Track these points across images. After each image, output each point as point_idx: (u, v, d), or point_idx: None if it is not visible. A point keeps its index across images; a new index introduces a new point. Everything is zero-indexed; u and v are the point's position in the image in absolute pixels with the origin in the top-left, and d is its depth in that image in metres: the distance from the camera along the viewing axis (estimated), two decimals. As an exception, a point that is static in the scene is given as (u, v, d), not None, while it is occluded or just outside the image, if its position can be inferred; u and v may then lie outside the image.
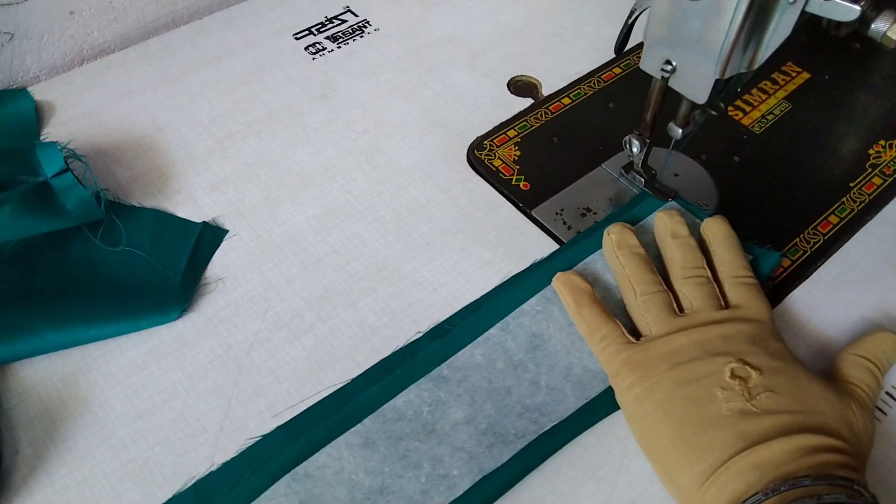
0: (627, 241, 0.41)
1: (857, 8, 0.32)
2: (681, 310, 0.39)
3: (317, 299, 0.43)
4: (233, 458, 0.36)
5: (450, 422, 0.37)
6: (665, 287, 0.40)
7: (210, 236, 0.45)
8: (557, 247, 0.45)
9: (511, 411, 0.37)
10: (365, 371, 0.39)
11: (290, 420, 0.37)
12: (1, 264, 0.41)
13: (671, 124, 0.43)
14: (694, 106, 0.41)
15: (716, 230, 0.42)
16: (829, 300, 0.43)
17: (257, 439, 0.37)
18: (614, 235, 0.42)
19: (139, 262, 0.43)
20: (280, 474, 0.35)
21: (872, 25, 0.34)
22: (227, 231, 0.45)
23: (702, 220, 0.43)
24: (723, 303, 0.39)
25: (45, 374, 0.39)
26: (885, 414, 0.38)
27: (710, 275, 0.40)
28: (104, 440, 0.37)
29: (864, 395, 0.36)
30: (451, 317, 0.42)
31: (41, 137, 0.50)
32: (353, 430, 0.36)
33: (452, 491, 0.35)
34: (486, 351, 0.39)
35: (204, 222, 0.45)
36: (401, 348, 0.40)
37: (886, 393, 0.39)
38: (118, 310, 0.40)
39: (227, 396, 0.39)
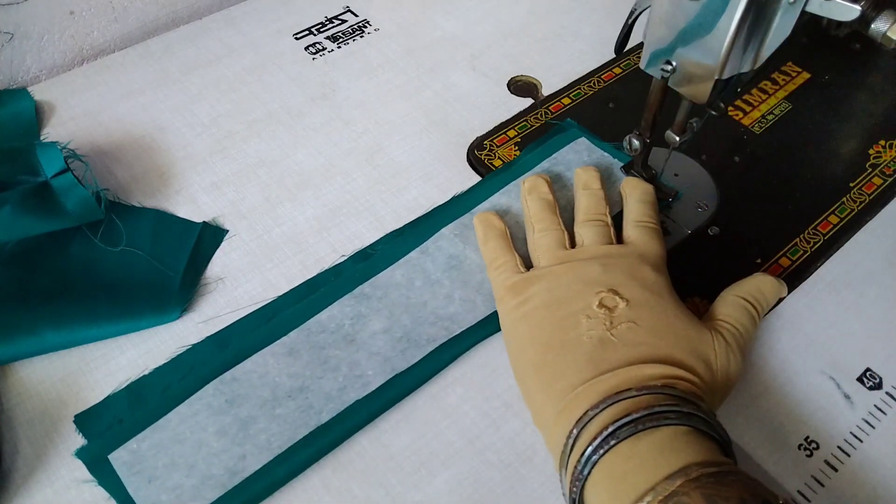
0: (538, 187, 0.44)
1: (858, 8, 0.32)
2: (573, 247, 0.41)
3: (317, 299, 0.43)
4: (165, 364, 0.39)
5: (368, 332, 0.40)
6: (563, 227, 0.42)
7: (210, 236, 0.45)
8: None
9: (425, 321, 0.41)
10: (291, 289, 0.42)
11: (220, 331, 0.40)
12: (1, 264, 0.41)
13: (668, 132, 0.43)
14: (690, 113, 0.42)
15: (634, 187, 0.44)
16: (829, 300, 0.43)
17: (188, 347, 0.39)
18: (528, 182, 0.44)
19: (139, 262, 0.43)
20: (209, 379, 0.38)
21: (872, 25, 0.34)
22: (227, 231, 0.45)
23: (622, 164, 0.47)
24: (615, 242, 0.41)
25: (45, 374, 0.39)
26: (885, 413, 0.38)
27: (609, 220, 0.42)
28: (104, 440, 0.37)
29: (734, 333, 0.37)
30: (374, 242, 0.44)
31: (41, 137, 0.50)
32: (279, 341, 0.39)
33: (366, 388, 0.38)
34: (406, 271, 0.43)
35: (204, 222, 0.45)
36: (326, 270, 0.43)
37: (886, 393, 0.39)
38: (118, 310, 0.40)
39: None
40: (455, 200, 0.47)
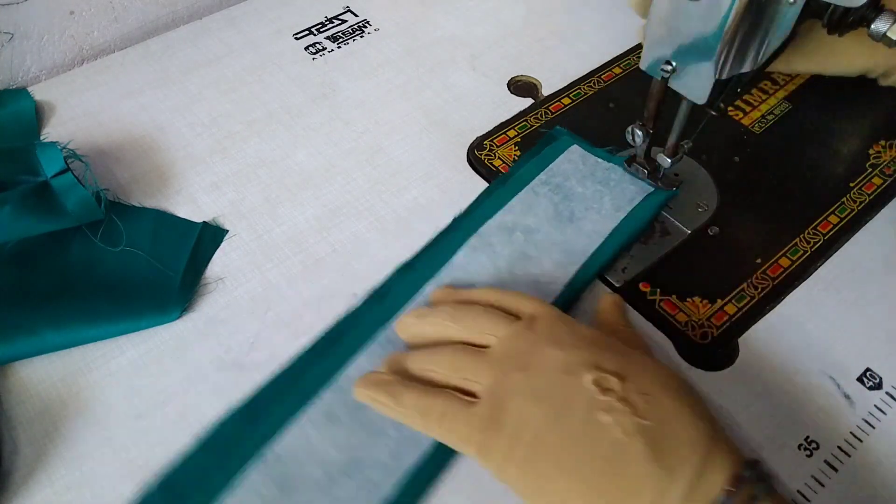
0: (407, 328, 0.38)
1: (862, -4, 0.32)
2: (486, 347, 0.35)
3: (317, 299, 0.43)
4: (195, 450, 0.35)
5: None
6: (457, 340, 0.36)
7: (210, 236, 0.45)
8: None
9: None
10: (312, 345, 0.40)
11: (247, 403, 0.37)
12: (1, 264, 0.41)
13: (660, 154, 0.43)
14: (682, 135, 0.42)
15: (444, 296, 0.40)
16: (829, 300, 0.43)
17: (214, 426, 0.36)
18: (370, 377, 0.36)
19: (139, 262, 0.43)
20: (249, 459, 0.35)
21: (872, 25, 0.34)
22: (227, 231, 0.45)
23: (620, 166, 0.47)
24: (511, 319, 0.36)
25: (45, 374, 0.39)
26: (885, 413, 0.38)
27: (477, 304, 0.37)
28: (104, 440, 0.37)
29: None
30: (386, 280, 0.43)
31: (41, 137, 0.50)
32: (313, 406, 0.37)
33: (419, 447, 0.35)
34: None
35: (204, 222, 0.45)
36: (343, 318, 0.41)
37: (886, 393, 0.39)
38: (118, 310, 0.40)
39: (228, 396, 0.39)
40: (458, 222, 0.45)
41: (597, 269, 0.43)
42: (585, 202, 0.46)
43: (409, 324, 0.38)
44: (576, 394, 0.31)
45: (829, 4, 0.34)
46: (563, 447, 0.30)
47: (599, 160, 0.48)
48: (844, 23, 0.34)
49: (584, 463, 0.30)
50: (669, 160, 0.43)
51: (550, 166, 0.48)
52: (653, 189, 0.46)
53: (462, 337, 0.36)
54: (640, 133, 0.44)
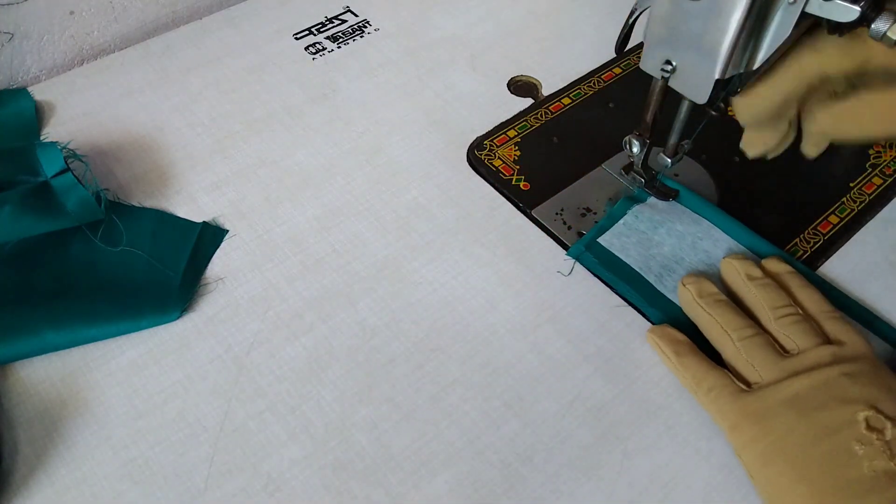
0: (707, 289, 0.40)
1: (857, 8, 0.32)
2: (785, 351, 0.37)
3: (317, 299, 0.43)
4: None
5: None
6: (760, 329, 0.38)
7: (210, 236, 0.45)
8: (558, 247, 0.45)
9: None
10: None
11: None
12: (1, 264, 0.41)
13: (661, 154, 0.43)
14: (682, 135, 0.42)
15: (780, 269, 0.41)
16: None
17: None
18: (692, 286, 0.40)
19: (139, 262, 0.43)
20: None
21: (872, 25, 0.34)
22: (227, 231, 0.45)
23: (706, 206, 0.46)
24: (824, 340, 0.37)
25: (45, 374, 0.39)
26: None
27: (802, 312, 0.38)
28: (104, 440, 0.37)
29: None
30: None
31: (41, 137, 0.50)
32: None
33: None
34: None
35: (204, 222, 0.45)
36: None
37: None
38: (118, 310, 0.40)
39: (227, 396, 0.39)
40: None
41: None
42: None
43: (737, 270, 0.40)
44: (843, 423, 0.33)
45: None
46: (806, 456, 0.32)
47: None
48: (844, 23, 0.34)
49: (824, 481, 0.32)
50: (669, 160, 0.44)
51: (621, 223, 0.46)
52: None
53: (772, 328, 0.38)
54: (636, 143, 0.44)
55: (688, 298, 0.40)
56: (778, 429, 0.34)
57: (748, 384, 0.36)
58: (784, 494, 0.33)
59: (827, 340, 0.37)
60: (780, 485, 0.33)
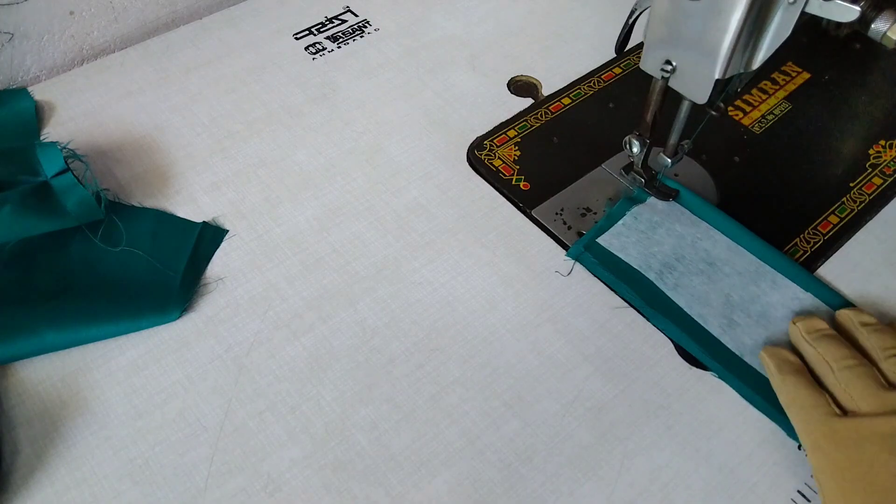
0: (816, 325, 0.39)
1: (857, 8, 0.32)
2: (892, 386, 0.35)
3: (317, 299, 0.43)
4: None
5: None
6: (867, 361, 0.37)
7: (210, 236, 0.45)
8: (558, 247, 0.45)
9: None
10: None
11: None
12: (1, 264, 0.41)
13: (661, 154, 0.43)
14: (682, 135, 0.42)
15: (862, 318, 0.40)
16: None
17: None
18: (801, 324, 0.39)
19: (139, 262, 0.43)
20: None
21: (872, 25, 0.34)
22: (227, 231, 0.45)
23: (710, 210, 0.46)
24: None
25: (45, 374, 0.39)
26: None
27: None
28: (104, 440, 0.37)
29: None
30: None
31: (41, 137, 0.50)
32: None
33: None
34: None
35: (204, 222, 0.45)
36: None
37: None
38: (118, 310, 0.40)
39: (227, 396, 0.39)
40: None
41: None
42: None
43: (851, 320, 0.39)
44: None
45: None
46: (891, 498, 0.31)
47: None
48: (844, 24, 0.34)
49: None
50: (669, 160, 0.44)
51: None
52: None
53: (883, 366, 0.37)
54: (636, 143, 0.44)
55: (796, 335, 0.39)
56: (866, 461, 0.32)
57: (846, 413, 0.35)
58: None
59: None
60: None
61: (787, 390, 0.37)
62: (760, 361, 0.40)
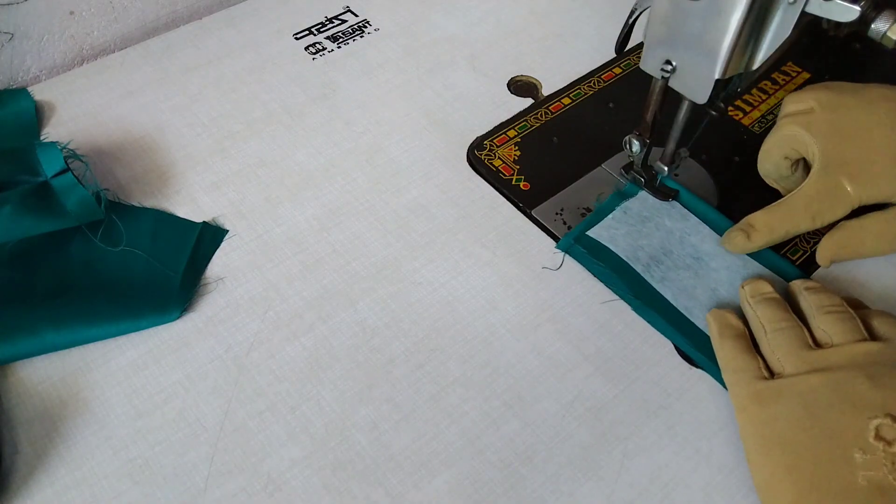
0: (760, 289, 0.40)
1: (857, 8, 0.32)
2: (818, 345, 0.36)
3: (317, 299, 0.43)
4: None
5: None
6: (799, 322, 0.37)
7: (210, 236, 0.45)
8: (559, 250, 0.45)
9: None
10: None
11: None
12: (1, 264, 0.41)
13: (658, 162, 0.44)
14: (682, 136, 0.42)
15: (808, 284, 0.40)
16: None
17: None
18: (748, 287, 0.40)
19: (139, 262, 0.43)
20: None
21: (872, 25, 0.34)
22: (227, 231, 0.45)
23: (708, 208, 0.46)
24: (865, 338, 0.35)
25: (45, 374, 0.39)
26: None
27: (852, 311, 0.37)
28: (104, 440, 0.37)
29: None
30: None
31: (41, 137, 0.50)
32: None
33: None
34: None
35: (204, 222, 0.45)
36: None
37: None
38: (118, 310, 0.40)
39: (227, 396, 0.39)
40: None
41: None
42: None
43: (798, 289, 0.40)
44: (851, 427, 0.32)
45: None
46: (803, 450, 0.32)
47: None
48: (844, 24, 0.34)
49: (812, 482, 0.31)
50: (666, 168, 0.44)
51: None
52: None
53: (813, 324, 0.37)
54: (636, 143, 0.44)
55: (742, 298, 0.40)
56: (783, 419, 0.33)
57: (773, 375, 0.36)
58: (772, 486, 0.33)
59: (872, 339, 0.35)
60: (771, 475, 0.33)
61: (723, 355, 0.38)
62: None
